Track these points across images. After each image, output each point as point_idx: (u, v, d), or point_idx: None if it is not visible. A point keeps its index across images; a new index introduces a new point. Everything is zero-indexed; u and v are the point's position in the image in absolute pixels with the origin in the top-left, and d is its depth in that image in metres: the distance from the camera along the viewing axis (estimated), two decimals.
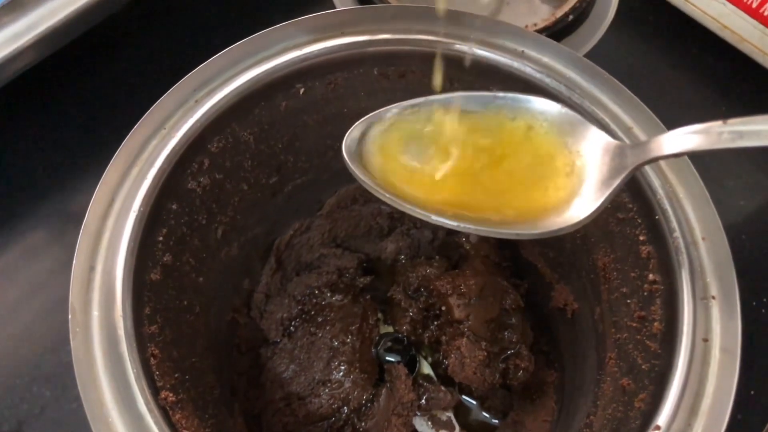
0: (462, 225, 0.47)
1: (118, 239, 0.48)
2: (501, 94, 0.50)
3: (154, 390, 0.44)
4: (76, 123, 0.83)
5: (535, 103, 0.49)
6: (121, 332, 0.45)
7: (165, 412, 0.44)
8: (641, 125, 0.53)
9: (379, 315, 0.71)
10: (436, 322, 0.69)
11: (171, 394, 0.45)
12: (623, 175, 0.44)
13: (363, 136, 0.51)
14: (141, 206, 0.49)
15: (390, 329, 0.70)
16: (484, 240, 0.71)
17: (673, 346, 0.46)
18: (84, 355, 0.44)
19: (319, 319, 0.68)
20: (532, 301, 0.70)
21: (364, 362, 0.66)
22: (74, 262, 0.47)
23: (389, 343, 0.68)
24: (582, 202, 0.46)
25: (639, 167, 0.44)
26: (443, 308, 0.67)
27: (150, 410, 0.43)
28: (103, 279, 0.46)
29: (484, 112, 0.50)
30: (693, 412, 0.44)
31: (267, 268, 0.69)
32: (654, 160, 0.43)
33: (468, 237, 0.71)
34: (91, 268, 0.47)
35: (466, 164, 0.50)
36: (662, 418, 0.44)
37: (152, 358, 0.46)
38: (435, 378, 0.68)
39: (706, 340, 0.46)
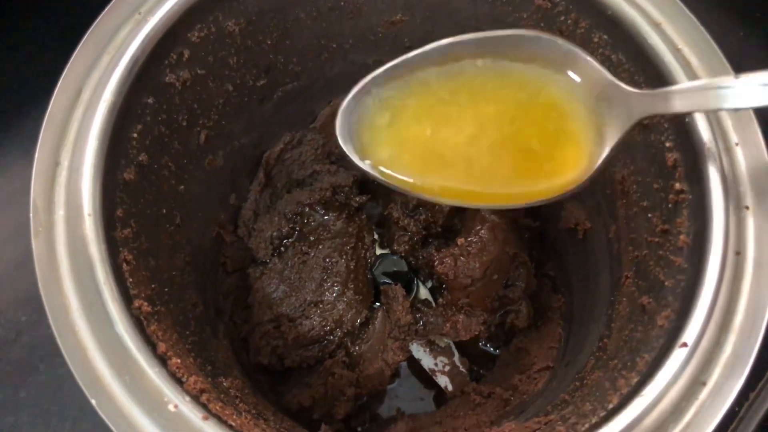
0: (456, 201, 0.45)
1: (86, 132, 0.42)
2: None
3: (127, 297, 0.40)
4: (52, 35, 0.76)
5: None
6: (90, 233, 0.40)
7: (139, 322, 0.40)
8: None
9: (375, 236, 0.67)
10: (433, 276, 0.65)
11: (146, 304, 0.41)
12: (624, 131, 0.40)
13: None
14: (112, 97, 0.43)
15: (386, 252, 0.66)
16: None
17: (701, 260, 0.42)
18: (47, 257, 0.39)
19: (312, 239, 0.63)
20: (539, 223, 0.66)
21: (358, 283, 0.62)
22: (36, 156, 0.42)
23: (385, 265, 0.63)
24: (575, 159, 0.43)
25: (644, 119, 0.40)
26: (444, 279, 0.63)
27: (121, 318, 0.38)
28: (70, 175, 0.41)
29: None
30: (723, 329, 0.40)
31: (255, 184, 0.64)
32: (665, 115, 0.38)
33: None
34: (57, 164, 0.42)
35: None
36: (689, 336, 0.39)
37: (125, 264, 0.42)
38: (433, 302, 0.64)
39: (738, 253, 0.41)
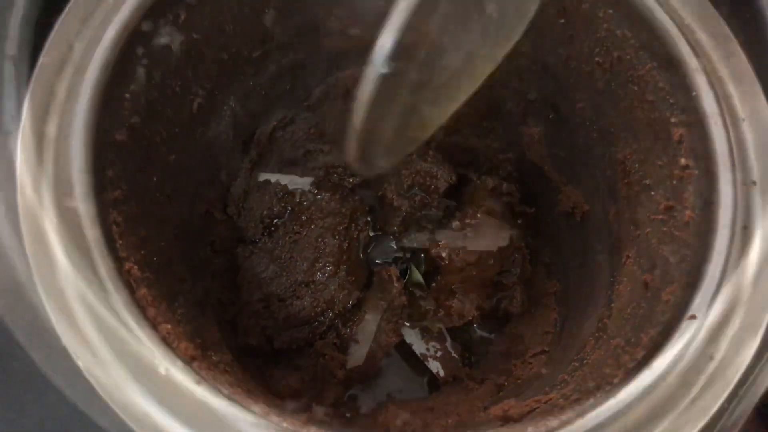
0: None
1: (77, 88, 0.40)
2: None
3: (117, 258, 0.38)
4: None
5: None
6: (80, 190, 0.38)
7: (129, 285, 0.38)
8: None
9: (369, 218, 0.65)
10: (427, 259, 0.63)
11: (136, 268, 0.39)
12: None
13: None
14: (105, 54, 0.42)
15: (380, 234, 0.65)
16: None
17: (707, 235, 0.41)
18: (33, 213, 0.37)
19: (303, 218, 0.62)
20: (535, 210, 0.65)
21: (351, 264, 0.60)
22: (25, 109, 0.40)
23: (379, 247, 0.62)
24: None
25: None
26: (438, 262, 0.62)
27: (111, 278, 0.37)
28: (60, 132, 0.40)
29: None
30: (731, 304, 0.39)
31: (246, 161, 0.62)
32: None
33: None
34: (46, 120, 0.40)
35: None
36: (696, 309, 0.39)
37: (114, 226, 0.40)
38: (426, 286, 0.62)
39: (746, 228, 0.41)
